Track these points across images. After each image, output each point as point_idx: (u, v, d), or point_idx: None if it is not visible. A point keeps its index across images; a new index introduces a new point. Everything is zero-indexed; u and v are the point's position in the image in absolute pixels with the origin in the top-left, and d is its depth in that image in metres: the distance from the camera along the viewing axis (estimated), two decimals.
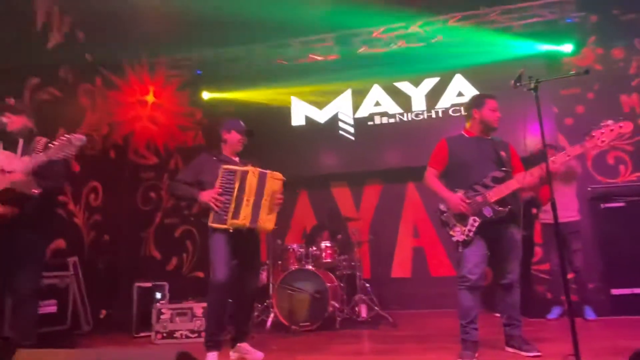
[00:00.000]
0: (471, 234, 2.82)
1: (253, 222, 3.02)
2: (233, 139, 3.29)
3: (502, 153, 2.93)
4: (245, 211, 2.98)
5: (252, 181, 3.03)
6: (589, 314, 4.24)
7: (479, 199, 2.83)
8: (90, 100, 5.64)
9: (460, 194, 2.87)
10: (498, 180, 2.83)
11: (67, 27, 5.29)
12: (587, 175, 5.12)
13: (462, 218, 2.86)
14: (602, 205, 4.70)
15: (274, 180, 3.12)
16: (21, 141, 2.94)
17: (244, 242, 3.10)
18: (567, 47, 5.44)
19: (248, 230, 3.06)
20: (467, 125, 3.13)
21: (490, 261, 2.93)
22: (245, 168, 3.08)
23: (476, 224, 2.82)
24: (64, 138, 2.66)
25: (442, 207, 2.97)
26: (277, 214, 3.17)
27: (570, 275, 4.38)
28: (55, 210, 4.75)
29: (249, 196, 3.01)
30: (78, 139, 2.66)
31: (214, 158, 3.24)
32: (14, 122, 2.94)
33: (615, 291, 4.43)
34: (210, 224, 3.02)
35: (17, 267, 2.78)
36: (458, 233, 2.87)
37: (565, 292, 2.48)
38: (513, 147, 3.10)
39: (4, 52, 4.38)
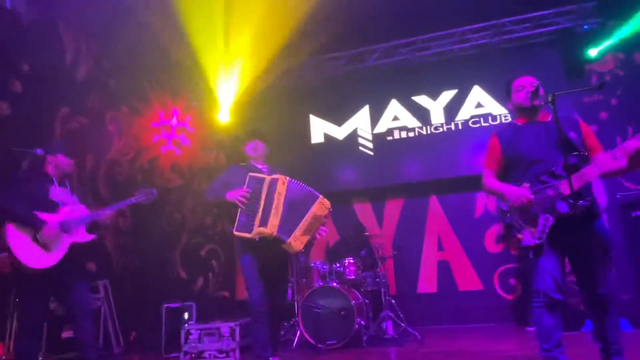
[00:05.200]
0: (544, 235, 2.28)
1: (282, 232, 2.93)
2: (248, 148, 3.32)
3: (572, 134, 2.38)
4: (274, 220, 2.92)
5: (281, 190, 2.97)
6: (626, 326, 4.09)
7: (549, 192, 2.31)
8: (116, 127, 5.85)
9: (525, 186, 2.39)
10: (571, 168, 2.24)
11: (94, 58, 5.53)
12: (615, 182, 4.99)
13: (531, 218, 2.35)
14: (633, 213, 4.58)
15: (321, 207, 3.04)
16: (67, 182, 3.26)
17: (272, 257, 3.07)
18: (588, 54, 5.38)
19: (275, 243, 2.97)
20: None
21: (575, 271, 2.41)
22: (274, 176, 3.02)
23: (549, 223, 2.28)
24: (149, 190, 3.39)
25: (503, 206, 2.48)
26: (309, 238, 3.06)
27: None
28: None
29: (278, 206, 2.94)
30: (155, 191, 3.40)
31: (242, 167, 3.26)
32: (70, 164, 3.25)
33: None
34: (235, 232, 2.95)
35: (79, 288, 3.10)
36: (528, 236, 2.34)
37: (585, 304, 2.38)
38: (585, 124, 2.50)
39: (37, 86, 4.62)
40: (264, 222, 2.90)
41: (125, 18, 4.97)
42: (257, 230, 2.90)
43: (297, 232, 2.96)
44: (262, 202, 2.94)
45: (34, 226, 2.94)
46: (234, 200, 2.95)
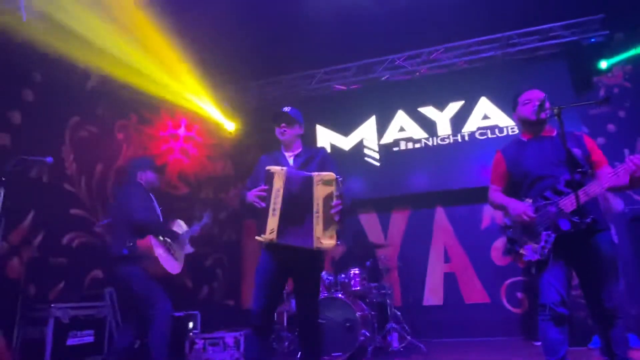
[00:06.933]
0: (546, 251, 2.30)
1: (289, 238, 2.44)
2: (277, 133, 2.85)
3: (576, 150, 2.37)
4: (271, 223, 2.42)
5: (278, 185, 2.46)
6: (635, 342, 4.03)
7: (551, 209, 2.33)
8: (125, 136, 5.91)
9: (527, 202, 2.42)
10: (574, 184, 2.21)
11: (105, 68, 5.61)
12: (624, 195, 4.95)
13: (533, 233, 2.37)
14: None
15: (323, 185, 2.48)
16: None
17: (296, 262, 2.57)
18: (598, 65, 5.38)
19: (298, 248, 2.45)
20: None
21: (581, 285, 2.39)
22: (273, 168, 2.52)
23: (551, 240, 2.30)
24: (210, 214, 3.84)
25: (507, 220, 2.51)
26: (335, 225, 2.50)
27: None
28: None
29: (276, 204, 2.44)
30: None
31: (268, 157, 2.82)
32: (158, 180, 3.59)
33: None
34: (256, 237, 2.50)
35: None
36: (529, 251, 2.36)
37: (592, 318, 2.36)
38: (590, 139, 2.50)
39: (48, 96, 4.69)
40: (263, 229, 2.46)
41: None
42: (262, 237, 2.46)
43: (317, 232, 2.44)
44: (270, 201, 2.47)
45: (172, 238, 3.40)
46: (252, 202, 2.52)
